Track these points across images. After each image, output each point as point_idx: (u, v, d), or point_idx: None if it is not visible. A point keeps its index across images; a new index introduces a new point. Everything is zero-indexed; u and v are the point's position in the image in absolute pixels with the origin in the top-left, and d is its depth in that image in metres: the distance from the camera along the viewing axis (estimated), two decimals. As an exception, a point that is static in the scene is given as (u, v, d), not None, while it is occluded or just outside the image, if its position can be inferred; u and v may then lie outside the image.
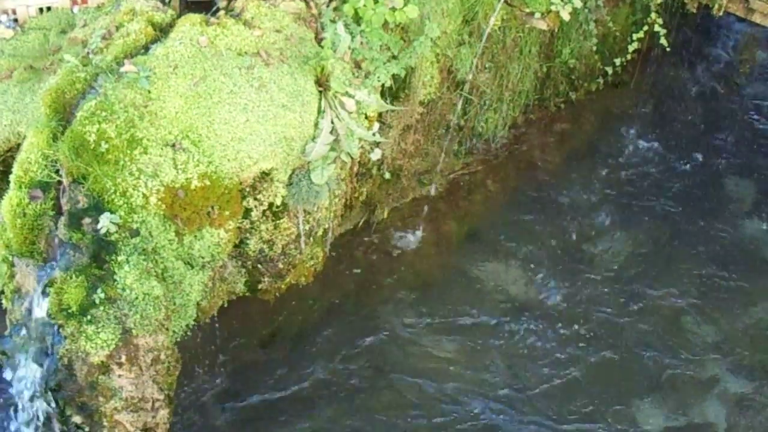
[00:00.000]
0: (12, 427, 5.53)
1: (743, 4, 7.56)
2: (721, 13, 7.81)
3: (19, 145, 5.64)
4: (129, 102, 5.40)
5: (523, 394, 6.98)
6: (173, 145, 5.44)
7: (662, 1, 7.92)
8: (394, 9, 6.13)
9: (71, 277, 5.09)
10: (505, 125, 8.12)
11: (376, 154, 6.52)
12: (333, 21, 6.16)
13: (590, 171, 8.36)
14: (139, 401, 5.34)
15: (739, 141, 8.70)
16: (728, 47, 9.41)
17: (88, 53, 5.69)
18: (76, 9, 6.26)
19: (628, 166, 8.42)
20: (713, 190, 8.32)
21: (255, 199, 5.87)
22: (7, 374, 5.38)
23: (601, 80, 8.50)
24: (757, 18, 7.58)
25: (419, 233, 7.80)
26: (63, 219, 5.22)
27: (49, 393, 5.15)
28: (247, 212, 5.89)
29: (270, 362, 6.96)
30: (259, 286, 6.37)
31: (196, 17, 5.88)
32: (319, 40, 6.12)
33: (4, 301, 5.64)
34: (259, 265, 6.22)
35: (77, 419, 5.21)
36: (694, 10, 8.29)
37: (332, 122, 5.96)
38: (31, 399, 5.28)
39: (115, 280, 5.14)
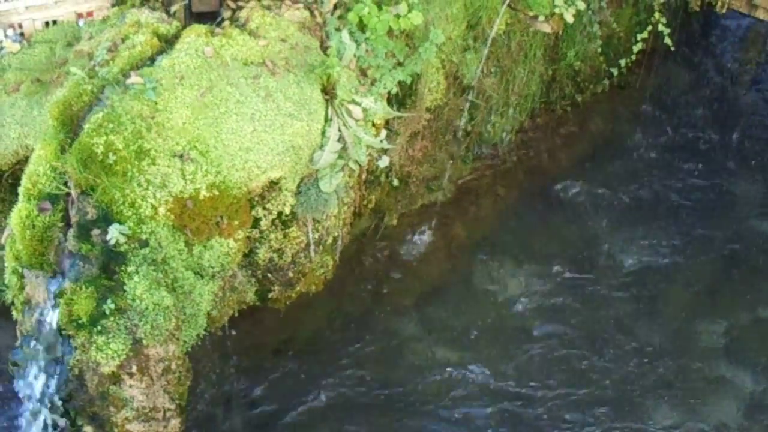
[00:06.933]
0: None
1: (746, 0, 7.54)
2: (724, 10, 7.81)
3: (27, 158, 5.66)
4: (136, 113, 5.42)
5: (534, 397, 6.96)
6: (181, 156, 5.45)
7: (665, 0, 7.93)
8: (398, 16, 6.14)
9: (81, 288, 5.11)
10: (512, 129, 8.12)
11: (384, 161, 6.53)
12: (338, 29, 6.18)
13: (598, 173, 8.34)
14: (150, 411, 5.35)
15: (746, 139, 8.68)
16: (733, 44, 9.40)
17: (94, 66, 5.72)
18: (81, 22, 6.29)
19: (636, 167, 8.41)
20: (721, 189, 8.30)
21: (264, 208, 5.88)
22: (18, 385, 5.41)
23: (606, 82, 8.49)
24: (760, 14, 7.57)
25: (428, 239, 7.79)
26: (72, 230, 5.24)
27: (60, 403, 5.16)
28: (256, 222, 5.90)
29: (281, 371, 6.96)
30: (270, 295, 6.37)
31: (201, 28, 5.90)
32: (324, 49, 6.13)
33: (14, 313, 5.66)
34: (269, 274, 6.23)
35: (88, 429, 5.23)
36: (697, 8, 8.31)
37: (339, 130, 5.97)
38: (36, 412, 5.31)
39: (125, 291, 5.16)
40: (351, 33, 6.16)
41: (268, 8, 6.13)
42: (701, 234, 7.98)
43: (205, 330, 5.83)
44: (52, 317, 5.16)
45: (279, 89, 5.80)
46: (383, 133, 6.31)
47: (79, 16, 6.31)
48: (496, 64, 7.38)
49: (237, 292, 6.19)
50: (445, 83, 7.03)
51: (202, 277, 5.66)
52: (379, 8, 6.13)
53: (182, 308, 5.54)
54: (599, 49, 8.00)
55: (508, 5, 6.98)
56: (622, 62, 8.12)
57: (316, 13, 6.24)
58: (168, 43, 5.87)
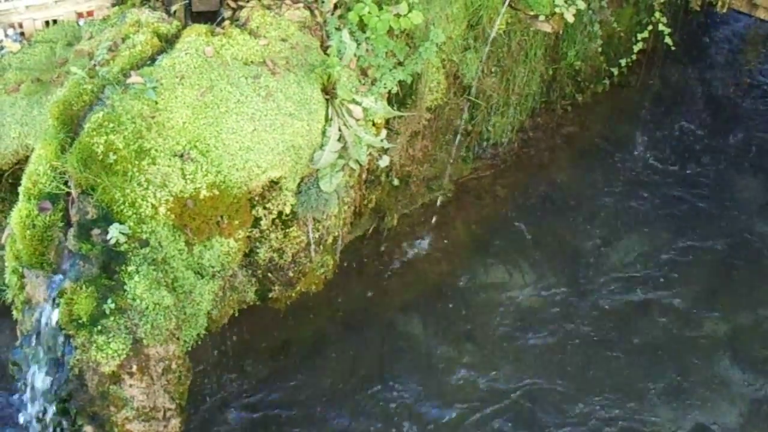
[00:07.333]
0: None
1: (747, 0, 7.54)
2: (725, 10, 7.81)
3: (27, 158, 5.66)
4: (136, 113, 5.42)
5: (534, 399, 6.97)
6: (181, 156, 5.45)
7: (665, 0, 7.93)
8: (398, 15, 6.14)
9: (81, 288, 5.10)
10: (513, 129, 8.12)
11: (384, 161, 6.53)
12: (338, 29, 6.17)
13: (598, 173, 8.35)
14: (150, 411, 5.34)
15: (746, 139, 8.67)
16: (733, 44, 9.40)
17: (94, 65, 5.72)
18: (82, 22, 6.30)
19: (635, 167, 8.41)
20: (721, 189, 8.30)
21: (264, 207, 5.88)
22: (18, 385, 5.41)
23: (606, 82, 8.51)
24: (761, 13, 7.57)
25: (429, 239, 7.79)
26: (72, 230, 5.23)
27: (60, 403, 5.16)
28: (256, 221, 5.90)
29: (281, 371, 6.96)
30: (270, 295, 6.37)
31: (201, 28, 5.90)
32: (324, 48, 6.13)
33: (14, 312, 5.65)
34: (269, 274, 6.22)
35: (88, 429, 5.21)
36: (698, 8, 8.31)
37: (340, 130, 5.97)
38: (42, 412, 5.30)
39: (125, 291, 5.15)
40: (351, 32, 6.16)
41: (269, 8, 6.13)
42: (701, 235, 7.98)
43: (206, 330, 5.83)
44: (52, 317, 5.16)
45: (279, 89, 5.80)
46: (384, 132, 6.31)
47: (80, 15, 6.31)
48: (497, 63, 7.38)
49: (237, 291, 6.19)
50: (446, 83, 7.03)
51: (203, 276, 5.66)
52: (380, 8, 6.12)
53: (182, 308, 5.54)
54: (600, 49, 8.00)
55: (509, 5, 6.97)
56: (623, 62, 8.14)
57: (317, 12, 6.24)
58: (168, 42, 5.87)
